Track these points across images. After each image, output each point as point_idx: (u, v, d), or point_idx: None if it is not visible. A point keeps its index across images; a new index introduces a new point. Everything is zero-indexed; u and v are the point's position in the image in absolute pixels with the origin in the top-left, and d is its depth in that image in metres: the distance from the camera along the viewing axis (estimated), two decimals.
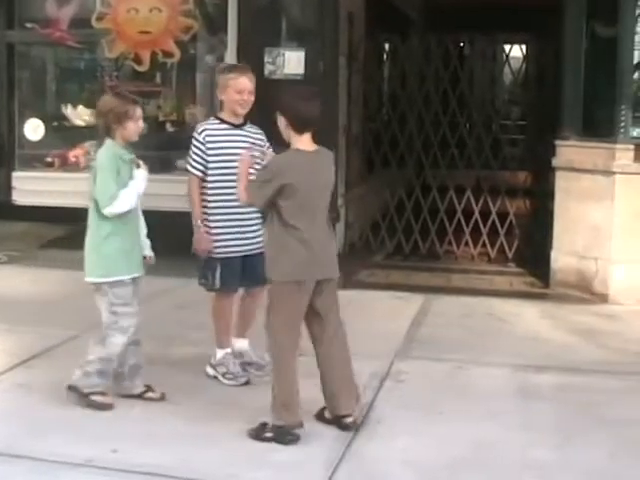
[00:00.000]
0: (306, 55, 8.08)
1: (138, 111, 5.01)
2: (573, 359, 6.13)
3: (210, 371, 5.56)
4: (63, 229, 10.10)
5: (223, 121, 5.44)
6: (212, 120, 5.52)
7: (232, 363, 5.51)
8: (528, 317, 7.23)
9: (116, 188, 4.91)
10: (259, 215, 5.43)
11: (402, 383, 5.57)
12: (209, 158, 5.38)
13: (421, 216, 9.47)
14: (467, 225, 9.30)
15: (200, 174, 5.39)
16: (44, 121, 9.63)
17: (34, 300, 7.37)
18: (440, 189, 9.54)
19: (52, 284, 7.93)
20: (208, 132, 5.40)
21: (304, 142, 4.63)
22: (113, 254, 4.97)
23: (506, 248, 9.20)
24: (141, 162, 5.07)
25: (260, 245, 5.46)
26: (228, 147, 5.35)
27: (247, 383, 5.42)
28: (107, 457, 4.40)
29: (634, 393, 5.50)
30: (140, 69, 9.13)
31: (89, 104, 9.66)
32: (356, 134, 10.17)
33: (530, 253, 9.11)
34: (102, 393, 5.02)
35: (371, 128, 9.96)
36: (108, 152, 4.98)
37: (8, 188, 9.41)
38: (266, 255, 4.78)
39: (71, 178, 9.24)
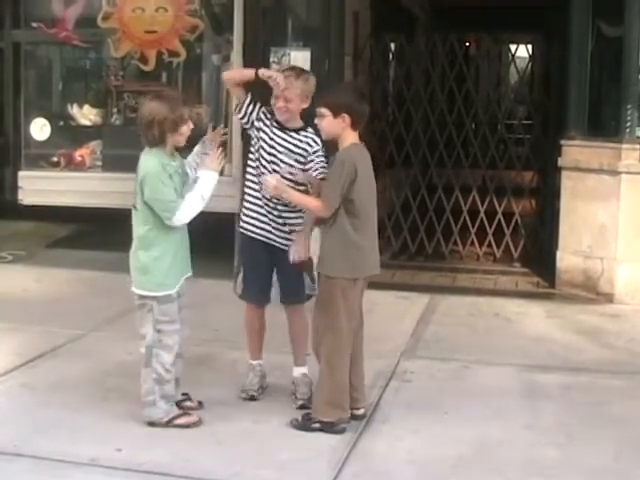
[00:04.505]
0: (312, 54, 8.06)
1: (188, 112, 4.71)
2: (578, 359, 6.13)
3: None
4: (69, 228, 10.13)
5: (275, 118, 5.12)
6: (268, 110, 5.15)
7: (249, 375, 5.27)
8: (534, 317, 7.22)
9: (175, 195, 4.62)
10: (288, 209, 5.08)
11: (408, 383, 5.57)
12: (252, 141, 5.14)
13: (427, 215, 9.44)
14: (473, 225, 9.27)
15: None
16: (50, 120, 9.61)
17: (39, 299, 7.38)
18: (446, 189, 9.51)
19: (58, 283, 7.94)
20: (261, 120, 5.10)
21: (356, 137, 4.79)
22: (163, 267, 4.68)
23: (512, 248, 9.17)
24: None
25: (286, 242, 5.04)
26: (266, 144, 5.07)
27: (252, 399, 5.15)
28: (112, 456, 4.40)
29: (639, 393, 5.49)
30: (146, 69, 9.11)
31: (95, 104, 9.67)
32: (361, 134, 10.13)
33: (536, 253, 9.09)
34: (183, 414, 4.84)
35: (376, 128, 9.93)
36: (154, 159, 4.64)
37: (14, 187, 9.40)
38: (323, 252, 4.73)
39: (77, 177, 9.24)
